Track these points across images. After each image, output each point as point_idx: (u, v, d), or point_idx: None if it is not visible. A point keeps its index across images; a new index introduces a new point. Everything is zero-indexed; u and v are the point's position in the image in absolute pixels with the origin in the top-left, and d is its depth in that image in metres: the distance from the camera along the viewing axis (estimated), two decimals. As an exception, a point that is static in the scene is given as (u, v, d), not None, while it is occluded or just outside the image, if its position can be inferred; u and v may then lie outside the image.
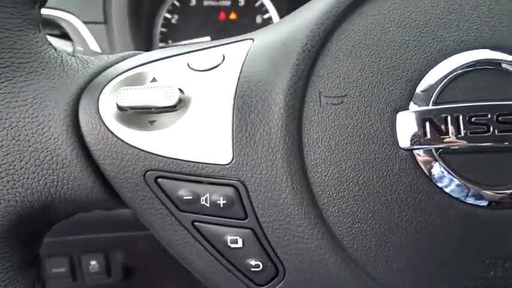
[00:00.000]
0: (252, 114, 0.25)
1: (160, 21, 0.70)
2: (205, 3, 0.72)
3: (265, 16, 0.71)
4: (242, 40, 0.28)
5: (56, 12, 0.59)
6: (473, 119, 0.23)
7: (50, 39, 0.36)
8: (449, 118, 0.23)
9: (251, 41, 0.28)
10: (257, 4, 0.71)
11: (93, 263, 0.63)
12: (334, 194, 0.23)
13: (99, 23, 0.60)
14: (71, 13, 0.59)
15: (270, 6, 0.71)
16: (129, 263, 0.64)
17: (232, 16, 0.71)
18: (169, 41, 0.70)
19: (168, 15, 0.70)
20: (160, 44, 0.70)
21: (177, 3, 0.71)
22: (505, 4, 0.25)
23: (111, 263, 0.63)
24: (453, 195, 0.23)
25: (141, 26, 0.65)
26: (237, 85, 0.25)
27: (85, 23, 0.59)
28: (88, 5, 0.60)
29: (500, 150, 0.23)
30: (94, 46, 0.59)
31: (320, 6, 0.26)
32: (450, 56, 0.24)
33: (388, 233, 0.23)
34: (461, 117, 0.23)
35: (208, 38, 0.70)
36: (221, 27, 0.71)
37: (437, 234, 0.23)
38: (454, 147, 0.23)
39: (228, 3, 0.72)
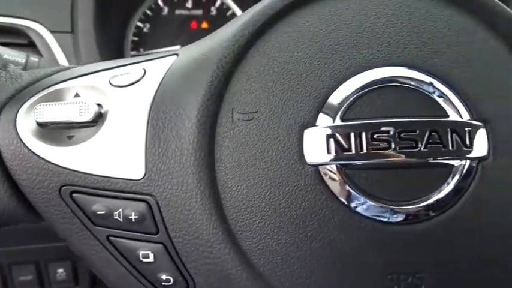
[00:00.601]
0: (166, 130, 0.25)
1: (132, 30, 0.71)
2: (177, 12, 0.72)
3: (236, 25, 0.71)
4: (167, 56, 0.28)
5: (23, 22, 0.60)
6: (375, 136, 0.23)
7: (4, 48, 0.36)
8: (352, 135, 0.23)
9: (175, 56, 0.28)
10: (228, 13, 0.71)
11: (60, 270, 0.63)
12: (243, 210, 0.24)
13: (65, 32, 0.60)
14: (38, 22, 0.60)
15: (240, 16, 0.71)
16: (96, 271, 0.64)
17: (204, 25, 0.72)
18: (141, 50, 0.71)
19: (140, 24, 0.71)
20: (132, 53, 0.70)
21: (149, 12, 0.71)
22: (416, 23, 0.25)
23: (79, 271, 0.64)
24: (357, 211, 0.23)
25: (110, 35, 0.65)
26: (153, 101, 0.26)
27: (52, 32, 0.60)
28: (55, 14, 0.60)
29: (402, 167, 0.23)
30: (60, 56, 0.59)
31: (237, 24, 0.26)
32: (358, 73, 0.24)
33: (294, 249, 0.23)
34: (364, 134, 0.23)
35: (179, 47, 0.71)
36: (193, 36, 0.71)
37: (340, 250, 0.23)
38: (357, 164, 0.23)
39: (200, 12, 0.72)
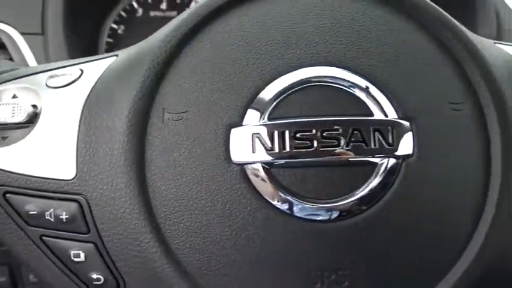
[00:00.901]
0: (97, 130, 0.25)
1: (106, 31, 0.71)
2: (152, 13, 0.72)
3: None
4: (108, 57, 0.28)
5: (-6, 23, 0.60)
6: (298, 135, 0.23)
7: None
8: (276, 134, 0.23)
9: (115, 57, 0.28)
10: (202, 14, 0.71)
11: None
12: (171, 209, 0.24)
13: (36, 34, 0.60)
14: (8, 24, 0.60)
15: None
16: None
17: (178, 26, 0.72)
18: (115, 51, 0.71)
19: (115, 26, 0.71)
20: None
21: (123, 14, 0.71)
22: (346, 23, 0.25)
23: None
24: (281, 209, 0.23)
25: (82, 37, 0.65)
26: (86, 101, 0.26)
27: (22, 34, 0.60)
28: (26, 15, 0.60)
29: (324, 165, 0.23)
30: (30, 58, 0.59)
31: (172, 24, 0.26)
32: (286, 73, 0.24)
33: (219, 247, 0.23)
34: (287, 133, 0.23)
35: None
36: (167, 37, 0.71)
37: (265, 247, 0.23)
38: (281, 163, 0.23)
39: (174, 13, 0.72)
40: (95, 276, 0.25)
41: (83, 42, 0.66)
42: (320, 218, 0.23)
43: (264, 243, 0.23)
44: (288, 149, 0.23)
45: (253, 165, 0.23)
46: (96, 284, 0.25)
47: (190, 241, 0.24)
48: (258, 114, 0.24)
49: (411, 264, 0.24)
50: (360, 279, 0.23)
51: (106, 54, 0.29)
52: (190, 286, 0.24)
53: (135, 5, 0.71)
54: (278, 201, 0.23)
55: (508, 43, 0.30)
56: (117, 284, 0.25)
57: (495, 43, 0.29)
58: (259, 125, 0.24)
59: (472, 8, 0.59)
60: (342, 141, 0.23)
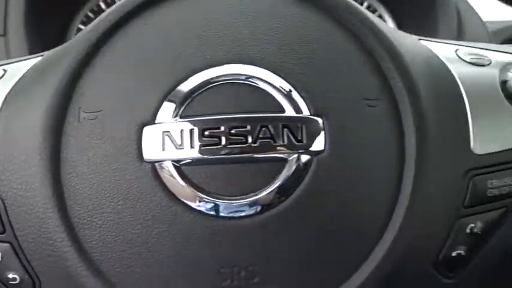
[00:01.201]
0: (14, 129, 0.25)
1: (74, 32, 0.71)
2: (119, 14, 0.72)
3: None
4: (34, 57, 0.28)
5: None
6: (206, 132, 0.23)
7: None
8: (185, 132, 0.23)
9: (41, 57, 0.28)
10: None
11: None
12: (85, 208, 0.24)
13: (-2, 36, 0.60)
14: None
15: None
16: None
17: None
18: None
19: (82, 26, 0.71)
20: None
21: (90, 15, 0.71)
22: (261, 21, 0.25)
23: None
24: (191, 206, 0.23)
25: (47, 38, 0.65)
26: (4, 100, 0.26)
27: (-16, 35, 0.60)
28: (-11, 16, 0.60)
29: (233, 162, 0.23)
30: (-8, 59, 0.59)
31: (92, 23, 0.26)
32: (199, 71, 0.24)
33: (131, 245, 0.24)
34: (196, 130, 0.23)
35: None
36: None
37: (175, 245, 0.23)
38: (190, 160, 0.23)
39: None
40: (11, 276, 0.25)
41: (48, 44, 0.66)
42: (228, 214, 0.23)
43: (173, 241, 0.23)
44: (196, 146, 0.23)
45: (164, 163, 0.24)
46: (12, 284, 0.25)
47: (103, 240, 0.24)
48: (171, 112, 0.24)
49: (323, 259, 0.24)
50: (270, 275, 0.23)
51: (33, 55, 0.29)
52: (102, 284, 0.24)
53: (103, 5, 0.71)
54: (187, 199, 0.23)
55: (433, 39, 0.30)
56: (33, 283, 0.25)
57: (420, 39, 0.29)
58: (170, 122, 0.24)
59: (433, 4, 0.60)
60: (250, 138, 0.23)
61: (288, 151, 0.23)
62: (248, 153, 0.23)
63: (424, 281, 0.26)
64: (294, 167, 0.23)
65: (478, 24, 0.58)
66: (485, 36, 0.57)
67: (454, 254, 0.26)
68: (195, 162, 0.23)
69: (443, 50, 0.28)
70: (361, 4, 0.69)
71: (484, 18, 0.59)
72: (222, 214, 0.23)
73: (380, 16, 0.69)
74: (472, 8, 0.59)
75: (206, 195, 0.23)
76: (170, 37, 0.25)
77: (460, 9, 0.59)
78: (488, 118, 0.26)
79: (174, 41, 0.25)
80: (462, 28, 0.58)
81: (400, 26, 0.69)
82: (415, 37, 0.29)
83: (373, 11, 0.69)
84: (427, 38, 0.30)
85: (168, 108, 0.24)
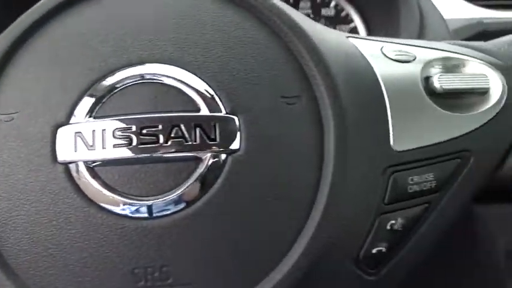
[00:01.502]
0: None
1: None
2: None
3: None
4: None
5: None
6: (117, 133, 0.23)
7: None
8: (97, 132, 0.23)
9: None
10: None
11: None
12: (4, 212, 0.24)
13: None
14: None
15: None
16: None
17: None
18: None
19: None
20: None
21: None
22: (178, 20, 0.25)
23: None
24: (103, 207, 0.23)
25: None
26: None
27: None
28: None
29: (144, 162, 0.23)
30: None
31: (11, 26, 0.26)
32: (114, 72, 0.24)
33: (44, 247, 0.23)
34: (107, 131, 0.23)
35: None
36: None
37: (88, 246, 0.23)
38: (101, 161, 0.23)
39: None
40: None
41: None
42: (142, 215, 0.23)
43: (86, 242, 0.23)
44: (107, 146, 0.23)
45: (76, 164, 0.23)
46: None
47: (18, 242, 0.24)
48: (84, 113, 0.24)
49: (238, 258, 0.24)
50: (184, 275, 0.23)
51: None
52: (17, 287, 0.24)
53: None
54: (100, 200, 0.23)
55: (361, 36, 0.30)
56: None
57: (348, 37, 0.29)
58: (82, 123, 0.24)
59: (396, 2, 0.60)
60: (161, 138, 0.23)
61: (201, 150, 0.23)
62: (159, 153, 0.23)
63: (346, 278, 0.26)
64: (208, 166, 0.23)
65: (439, 22, 0.58)
66: (446, 34, 0.57)
67: (374, 251, 0.26)
68: (107, 162, 0.23)
69: (369, 47, 0.28)
70: (328, 4, 0.69)
71: (447, 15, 0.60)
72: (133, 215, 0.23)
73: (347, 15, 0.69)
74: (434, 6, 0.60)
75: (118, 195, 0.23)
76: (87, 38, 0.25)
77: (422, 6, 0.59)
78: (409, 115, 0.26)
79: (91, 41, 0.25)
80: (424, 26, 0.58)
81: (368, 24, 0.69)
82: (343, 34, 0.29)
83: (341, 10, 0.69)
84: (355, 35, 0.30)
85: (83, 108, 0.24)
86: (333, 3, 0.69)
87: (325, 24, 0.70)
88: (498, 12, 0.61)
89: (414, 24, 0.58)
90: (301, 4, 0.70)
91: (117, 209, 0.23)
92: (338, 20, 0.69)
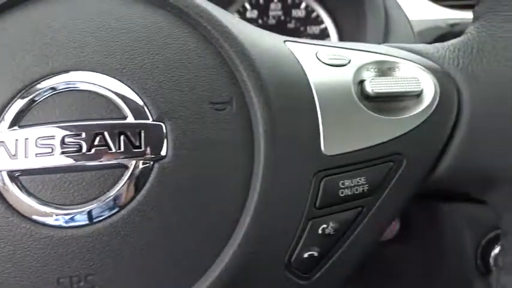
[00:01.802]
0: None
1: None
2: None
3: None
4: None
5: None
6: (40, 142, 0.23)
7: None
8: (19, 141, 0.23)
9: None
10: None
11: None
12: None
13: None
14: None
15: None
16: None
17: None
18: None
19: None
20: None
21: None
22: (107, 25, 0.25)
23: None
24: (25, 216, 0.23)
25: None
26: None
27: None
28: None
29: (67, 170, 0.23)
30: None
31: None
32: (39, 80, 0.24)
33: None
34: (29, 140, 0.23)
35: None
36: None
37: (13, 255, 0.23)
38: (24, 170, 0.23)
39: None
40: None
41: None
42: (65, 224, 0.23)
43: (11, 252, 0.23)
44: (30, 156, 0.23)
45: (1, 174, 0.23)
46: None
47: None
48: (8, 123, 0.24)
49: (166, 265, 0.24)
50: (110, 283, 0.23)
51: None
52: None
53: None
54: (24, 209, 0.23)
55: (299, 40, 0.30)
56: None
57: (285, 41, 0.29)
58: (6, 132, 0.24)
59: (362, 4, 0.60)
60: (84, 146, 0.23)
61: (125, 158, 0.23)
62: (81, 161, 0.23)
63: (277, 282, 0.26)
64: (134, 174, 0.23)
65: (404, 24, 0.58)
66: (410, 35, 0.57)
67: (306, 255, 0.26)
68: (30, 171, 0.23)
69: (304, 51, 0.28)
70: (299, 5, 0.70)
71: (413, 17, 0.60)
72: (58, 224, 0.23)
73: (318, 16, 0.69)
74: (400, 7, 0.60)
75: (43, 205, 0.23)
76: (12, 47, 0.25)
77: (388, 8, 0.59)
78: (340, 119, 0.26)
79: (15, 50, 0.25)
80: (389, 27, 0.58)
81: (338, 26, 0.69)
82: (281, 38, 0.29)
83: (311, 12, 0.69)
84: (292, 39, 0.30)
85: (7, 118, 0.24)
86: (303, 5, 0.69)
87: (296, 26, 0.70)
88: (464, 13, 0.61)
89: (380, 25, 0.58)
90: (272, 6, 0.70)
91: (40, 219, 0.23)
92: (309, 21, 0.69)
